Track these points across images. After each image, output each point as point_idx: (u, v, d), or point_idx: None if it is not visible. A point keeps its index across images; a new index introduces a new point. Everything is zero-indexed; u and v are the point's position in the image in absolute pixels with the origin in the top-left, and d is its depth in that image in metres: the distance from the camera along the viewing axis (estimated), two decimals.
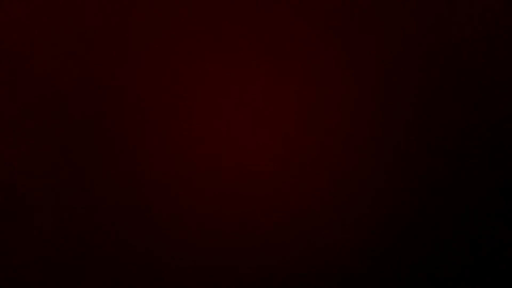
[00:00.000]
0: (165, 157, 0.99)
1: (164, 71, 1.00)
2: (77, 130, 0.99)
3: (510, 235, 1.00)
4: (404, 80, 1.01)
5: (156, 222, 0.98)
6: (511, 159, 1.01)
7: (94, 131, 0.99)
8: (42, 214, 0.98)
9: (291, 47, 1.00)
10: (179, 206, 0.99)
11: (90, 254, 0.98)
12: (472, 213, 1.00)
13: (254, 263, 0.99)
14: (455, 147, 1.01)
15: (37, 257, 0.98)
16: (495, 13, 1.02)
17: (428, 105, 1.01)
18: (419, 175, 1.00)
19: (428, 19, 1.02)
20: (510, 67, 1.02)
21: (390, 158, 1.00)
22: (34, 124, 0.99)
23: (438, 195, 1.00)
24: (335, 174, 0.99)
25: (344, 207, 0.99)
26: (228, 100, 1.00)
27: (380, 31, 1.01)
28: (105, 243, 0.98)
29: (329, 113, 1.00)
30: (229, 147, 0.99)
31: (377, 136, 1.00)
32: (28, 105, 0.99)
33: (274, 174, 0.99)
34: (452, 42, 1.02)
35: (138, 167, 0.98)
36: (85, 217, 0.98)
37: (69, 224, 0.98)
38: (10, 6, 1.00)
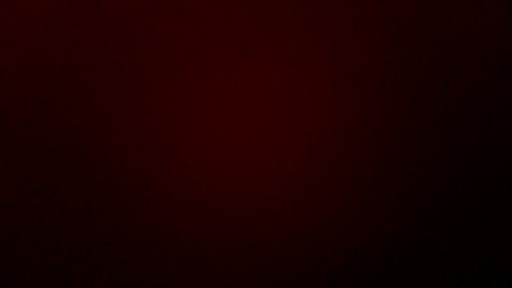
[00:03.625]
0: (166, 158, 0.99)
1: (166, 71, 1.00)
2: (78, 130, 0.99)
3: (510, 235, 1.00)
4: (406, 80, 1.01)
5: (158, 222, 0.98)
6: (511, 159, 1.01)
7: (95, 130, 0.99)
8: (42, 213, 0.98)
9: (293, 48, 1.01)
10: (180, 206, 0.99)
11: (90, 253, 0.98)
12: (472, 213, 1.00)
13: (255, 263, 0.99)
14: (455, 148, 1.01)
15: (37, 257, 0.98)
16: (494, 14, 1.03)
17: (429, 106, 1.01)
18: (421, 175, 1.00)
19: (428, 20, 1.02)
20: (510, 68, 1.02)
21: (393, 159, 1.00)
22: (34, 124, 0.99)
23: (439, 196, 1.00)
24: (336, 174, 1.00)
25: (346, 207, 1.00)
26: (229, 101, 1.00)
27: (381, 31, 1.01)
28: (105, 242, 0.98)
29: (331, 113, 1.00)
30: (230, 148, 0.99)
31: (378, 136, 1.00)
32: (28, 104, 0.99)
33: (275, 173, 0.99)
34: (451, 42, 1.02)
35: (140, 168, 0.99)
36: (85, 217, 0.98)
37: (69, 224, 0.98)
38: (11, 7, 1.01)
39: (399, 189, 1.00)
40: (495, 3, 1.03)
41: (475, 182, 1.00)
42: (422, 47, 1.02)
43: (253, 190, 0.99)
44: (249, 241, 0.99)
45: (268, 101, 1.00)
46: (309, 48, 1.01)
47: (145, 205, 0.99)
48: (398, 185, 1.00)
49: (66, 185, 0.98)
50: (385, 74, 1.01)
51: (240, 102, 1.00)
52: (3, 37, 1.00)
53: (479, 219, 1.00)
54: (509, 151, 1.01)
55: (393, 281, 0.99)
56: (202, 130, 0.99)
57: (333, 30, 1.01)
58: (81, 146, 0.99)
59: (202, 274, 0.99)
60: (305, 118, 1.00)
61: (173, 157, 0.99)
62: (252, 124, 1.00)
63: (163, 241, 0.98)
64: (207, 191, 0.99)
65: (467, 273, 1.00)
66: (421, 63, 1.01)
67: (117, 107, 0.99)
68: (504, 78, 1.02)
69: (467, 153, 1.01)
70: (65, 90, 1.00)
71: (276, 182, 0.99)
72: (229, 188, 0.99)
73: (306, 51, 1.01)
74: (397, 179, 1.00)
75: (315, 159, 1.00)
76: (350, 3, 1.01)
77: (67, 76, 1.00)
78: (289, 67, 1.00)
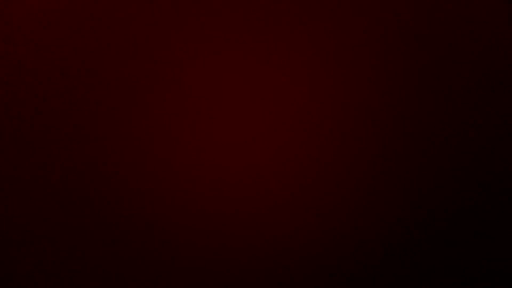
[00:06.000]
0: (165, 158, 0.99)
1: (165, 71, 1.00)
2: (77, 130, 0.99)
3: (509, 236, 1.00)
4: (406, 81, 1.01)
5: (156, 223, 0.98)
6: (510, 160, 1.01)
7: (94, 129, 0.99)
8: (41, 213, 0.98)
9: (292, 47, 1.01)
10: (179, 207, 0.99)
11: (88, 254, 0.98)
12: (472, 213, 1.00)
13: (253, 263, 0.99)
14: (455, 149, 1.01)
15: (38, 258, 0.98)
16: (494, 13, 1.03)
17: (429, 106, 1.01)
18: (420, 175, 1.00)
19: (427, 19, 1.02)
20: (509, 68, 1.02)
21: (393, 159, 1.00)
22: (34, 124, 0.99)
23: (439, 196, 1.00)
24: (336, 174, 1.00)
25: (344, 207, 1.00)
26: (227, 100, 1.00)
27: (382, 32, 1.01)
28: (102, 242, 0.98)
29: (330, 114, 1.00)
30: (229, 147, 0.99)
31: (378, 137, 1.00)
32: (29, 104, 0.99)
33: (275, 174, 0.99)
34: (450, 42, 1.02)
35: (139, 167, 0.99)
36: (84, 216, 0.98)
37: (68, 224, 0.98)
38: (12, 6, 1.00)
39: (402, 190, 1.00)
40: (495, 3, 1.03)
41: (477, 182, 1.01)
42: (425, 48, 1.02)
43: (254, 190, 0.99)
44: (249, 242, 0.99)
45: (269, 102, 1.00)
46: (311, 48, 1.01)
47: (146, 205, 0.99)
48: (401, 186, 1.00)
49: (65, 184, 0.98)
50: (388, 75, 1.01)
51: (240, 103, 1.00)
52: (3, 36, 1.00)
53: (480, 220, 1.00)
54: (509, 152, 1.01)
55: (394, 282, 0.99)
56: (203, 130, 0.99)
57: (335, 29, 1.01)
58: (81, 146, 0.99)
59: (202, 275, 0.99)
60: (306, 119, 1.00)
61: (174, 157, 0.99)
62: (253, 125, 1.00)
63: (163, 241, 0.98)
64: (207, 191, 0.99)
65: (467, 273, 1.00)
66: (425, 64, 1.02)
67: (117, 107, 0.99)
68: (505, 78, 1.02)
69: (470, 153, 1.01)
70: (65, 89, 1.00)
71: (277, 182, 0.99)
72: (229, 189, 0.99)
73: (308, 51, 1.01)
74: (401, 180, 1.00)
75: (316, 160, 1.00)
76: (351, 4, 1.02)
77: (67, 75, 1.00)
78: (290, 68, 1.00)
